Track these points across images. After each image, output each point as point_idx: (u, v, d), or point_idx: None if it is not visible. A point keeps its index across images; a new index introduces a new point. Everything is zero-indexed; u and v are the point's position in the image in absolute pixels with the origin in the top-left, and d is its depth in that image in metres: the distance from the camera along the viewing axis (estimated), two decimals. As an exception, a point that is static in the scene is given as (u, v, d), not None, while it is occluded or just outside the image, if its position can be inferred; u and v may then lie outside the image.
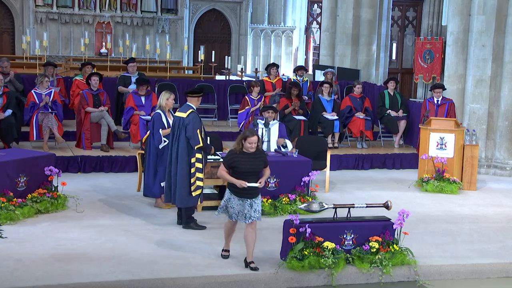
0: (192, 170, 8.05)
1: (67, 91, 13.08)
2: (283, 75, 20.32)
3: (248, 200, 6.76)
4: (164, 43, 22.86)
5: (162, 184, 8.66)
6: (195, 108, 8.10)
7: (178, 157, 8.07)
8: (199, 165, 8.10)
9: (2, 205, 8.01)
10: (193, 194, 8.10)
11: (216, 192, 9.43)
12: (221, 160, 9.04)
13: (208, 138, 8.32)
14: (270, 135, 10.00)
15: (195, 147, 7.99)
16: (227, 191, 6.88)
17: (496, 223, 9.09)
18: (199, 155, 8.10)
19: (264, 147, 9.80)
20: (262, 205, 8.75)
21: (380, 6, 16.89)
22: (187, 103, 8.16)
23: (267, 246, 7.56)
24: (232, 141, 12.16)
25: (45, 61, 14.59)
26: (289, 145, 10.04)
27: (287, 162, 9.21)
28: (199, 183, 8.13)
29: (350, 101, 13.18)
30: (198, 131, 7.96)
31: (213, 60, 19.49)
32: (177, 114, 8.18)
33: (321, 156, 10.44)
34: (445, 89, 12.37)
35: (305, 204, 7.55)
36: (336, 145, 12.84)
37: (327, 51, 17.49)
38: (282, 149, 9.85)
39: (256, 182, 6.74)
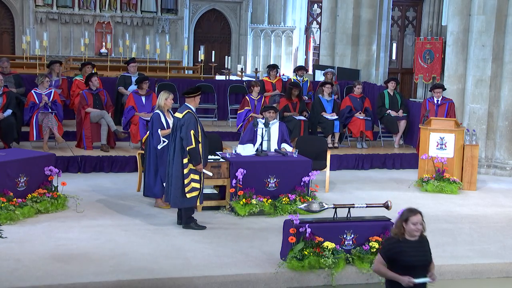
0: (185, 171, 8.00)
1: (67, 91, 13.07)
2: (283, 75, 20.30)
3: None
4: (164, 43, 22.85)
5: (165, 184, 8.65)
6: (192, 109, 8.07)
7: (174, 158, 8.07)
8: (193, 167, 8.04)
9: (2, 205, 8.00)
10: (188, 195, 8.03)
11: (216, 192, 9.42)
12: (221, 160, 9.07)
13: (207, 140, 8.29)
14: (270, 135, 10.00)
15: (187, 148, 7.94)
16: None
17: (496, 223, 9.09)
18: None
19: (264, 146, 9.80)
20: (262, 205, 8.78)
21: (380, 6, 16.88)
22: (185, 103, 8.16)
23: (267, 246, 7.56)
24: (232, 141, 12.23)
25: (50, 60, 14.36)
26: (288, 148, 10.04)
27: (287, 162, 9.21)
28: (194, 184, 8.05)
29: (350, 101, 13.17)
30: (192, 132, 7.91)
31: (213, 60, 19.47)
32: (175, 115, 8.19)
33: (321, 156, 10.44)
34: (445, 89, 12.36)
35: (305, 204, 7.55)
36: (336, 145, 12.83)
37: (327, 51, 17.48)
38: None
39: (425, 277, 5.15)
